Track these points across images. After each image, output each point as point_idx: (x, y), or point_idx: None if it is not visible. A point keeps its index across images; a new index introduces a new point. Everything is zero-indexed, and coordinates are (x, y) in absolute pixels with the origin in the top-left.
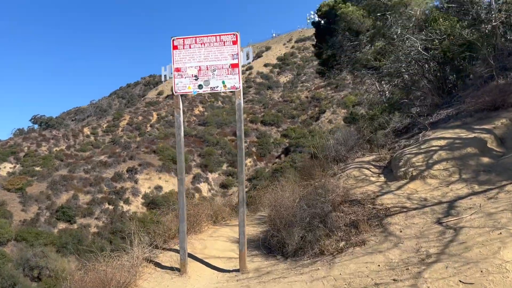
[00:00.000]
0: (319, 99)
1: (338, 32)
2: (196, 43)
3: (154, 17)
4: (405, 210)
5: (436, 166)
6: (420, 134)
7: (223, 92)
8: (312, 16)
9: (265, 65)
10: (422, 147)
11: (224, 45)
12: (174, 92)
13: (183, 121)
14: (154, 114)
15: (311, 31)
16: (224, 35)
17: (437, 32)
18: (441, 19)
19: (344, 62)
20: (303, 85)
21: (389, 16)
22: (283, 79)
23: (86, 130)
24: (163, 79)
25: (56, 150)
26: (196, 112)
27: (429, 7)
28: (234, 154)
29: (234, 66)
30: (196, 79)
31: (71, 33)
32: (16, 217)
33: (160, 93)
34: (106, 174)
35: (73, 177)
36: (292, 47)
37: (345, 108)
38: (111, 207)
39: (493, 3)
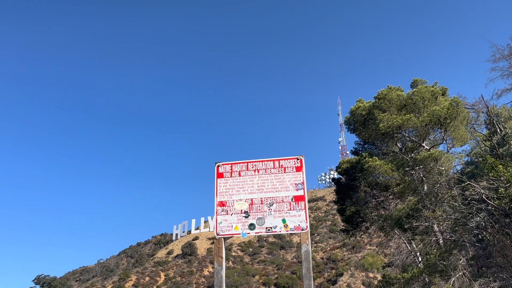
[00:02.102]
0: (335, 261)
1: (360, 188)
2: (248, 169)
3: (169, 183)
4: None
5: None
6: None
7: (284, 234)
8: (324, 177)
9: None
10: None
11: (284, 172)
12: (215, 235)
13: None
14: (162, 274)
15: (323, 191)
16: (284, 159)
17: (501, 179)
18: (500, 166)
19: (369, 219)
20: (317, 246)
21: (413, 172)
22: (296, 239)
23: None
24: (174, 237)
25: None
26: (206, 273)
27: (462, 162)
28: None
29: (298, 199)
30: (246, 216)
31: (87, 190)
32: None
33: (169, 253)
34: None
35: None
36: None
37: (364, 270)
38: None
39: None
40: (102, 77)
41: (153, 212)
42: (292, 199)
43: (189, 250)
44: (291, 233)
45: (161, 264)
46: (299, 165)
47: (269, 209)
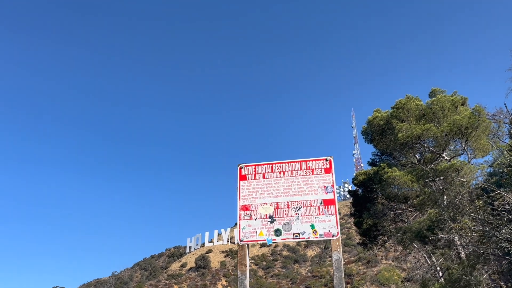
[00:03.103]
0: (350, 275)
1: (377, 200)
2: (272, 171)
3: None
4: None
5: None
6: None
7: (312, 240)
8: (338, 190)
9: None
10: None
11: (312, 174)
12: (238, 241)
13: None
14: (175, 287)
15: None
16: (312, 160)
17: None
18: None
19: (387, 232)
20: (332, 260)
21: (433, 183)
22: (310, 252)
23: None
24: (187, 250)
25: None
26: (219, 286)
27: (484, 173)
28: None
29: (328, 203)
30: (271, 221)
31: (102, 204)
32: None
33: (183, 265)
34: None
35: None
36: None
37: (380, 285)
38: None
39: None
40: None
41: (167, 224)
42: (321, 203)
43: (202, 263)
44: (321, 240)
45: (174, 277)
46: (328, 166)
47: (296, 214)
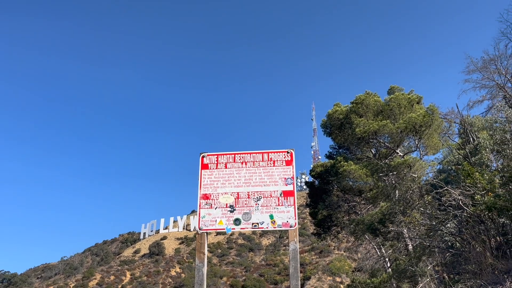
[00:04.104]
0: (303, 264)
1: (333, 192)
2: (235, 161)
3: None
4: None
5: None
6: None
7: (271, 230)
8: (300, 179)
9: None
10: None
11: (273, 166)
12: (198, 229)
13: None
14: (128, 273)
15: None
16: (274, 152)
17: (478, 186)
18: (477, 173)
19: (341, 223)
20: (286, 249)
21: (386, 178)
22: (265, 241)
23: None
24: (141, 236)
25: None
26: (172, 273)
27: (434, 170)
28: None
29: (287, 194)
30: (231, 211)
31: (54, 184)
32: None
33: (136, 252)
34: None
35: None
36: None
37: (331, 275)
38: None
39: None
40: (74, 68)
41: (121, 210)
42: (280, 194)
43: (156, 250)
44: (278, 230)
45: (127, 263)
46: (289, 158)
47: (256, 204)
